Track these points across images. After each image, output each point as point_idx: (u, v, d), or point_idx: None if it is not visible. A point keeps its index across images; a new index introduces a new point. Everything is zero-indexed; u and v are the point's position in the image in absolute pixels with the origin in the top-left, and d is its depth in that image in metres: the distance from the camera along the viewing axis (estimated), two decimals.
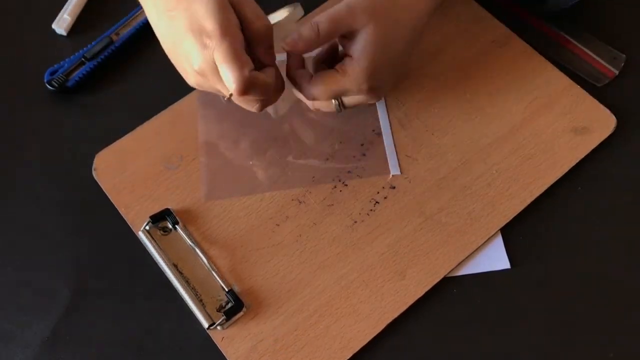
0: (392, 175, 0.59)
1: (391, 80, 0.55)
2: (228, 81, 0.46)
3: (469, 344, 0.54)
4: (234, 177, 0.60)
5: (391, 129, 0.61)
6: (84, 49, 0.66)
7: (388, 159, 0.60)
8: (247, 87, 0.47)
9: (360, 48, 0.51)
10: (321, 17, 0.50)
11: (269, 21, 0.50)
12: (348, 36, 0.51)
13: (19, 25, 0.69)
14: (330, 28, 0.50)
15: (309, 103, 0.55)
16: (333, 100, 0.54)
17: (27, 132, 0.63)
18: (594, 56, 0.65)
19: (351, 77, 0.51)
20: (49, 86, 0.64)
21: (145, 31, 0.66)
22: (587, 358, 0.54)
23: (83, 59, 0.65)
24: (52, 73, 0.65)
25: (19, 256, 0.58)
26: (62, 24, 0.68)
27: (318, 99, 0.53)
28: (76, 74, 0.64)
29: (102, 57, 0.65)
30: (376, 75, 0.52)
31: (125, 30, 0.67)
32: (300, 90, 0.53)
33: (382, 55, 0.51)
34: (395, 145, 0.61)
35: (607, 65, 0.65)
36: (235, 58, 0.46)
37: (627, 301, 0.56)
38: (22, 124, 0.64)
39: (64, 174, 0.61)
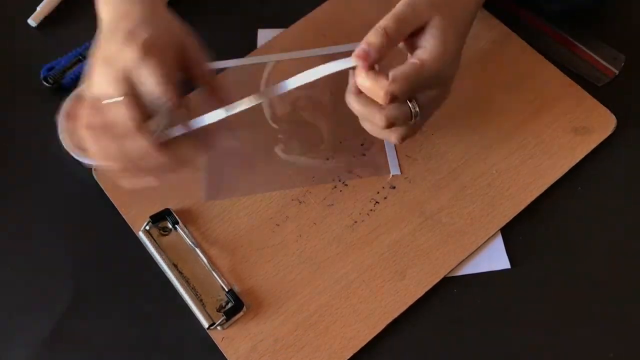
0: (392, 175, 0.59)
1: (454, 74, 0.52)
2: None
3: (469, 344, 0.54)
4: (234, 177, 0.60)
5: None
6: (81, 47, 0.66)
7: (388, 159, 0.60)
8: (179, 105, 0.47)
9: (432, 36, 0.48)
10: (386, 21, 0.48)
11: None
12: (414, 34, 0.49)
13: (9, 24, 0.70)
14: (399, 28, 0.48)
15: (380, 121, 0.49)
16: (410, 103, 0.49)
17: (24, 130, 0.63)
18: (594, 56, 0.65)
19: (430, 66, 0.48)
20: (44, 82, 0.64)
21: None
22: (587, 358, 0.54)
23: (80, 57, 0.65)
24: (49, 70, 0.65)
25: (19, 256, 0.58)
26: (35, 16, 0.68)
27: (398, 94, 0.47)
28: (72, 72, 0.65)
29: None
30: (450, 64, 0.50)
31: None
32: (378, 91, 0.47)
33: (450, 50, 0.50)
34: (395, 145, 0.61)
35: (607, 65, 0.65)
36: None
37: (627, 301, 0.56)
38: (16, 121, 0.64)
39: (64, 172, 0.61)
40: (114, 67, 0.47)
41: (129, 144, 0.47)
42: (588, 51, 0.66)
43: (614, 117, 0.61)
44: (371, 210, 0.58)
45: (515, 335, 0.54)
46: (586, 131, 0.61)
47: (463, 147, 0.61)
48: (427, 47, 0.49)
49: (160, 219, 0.57)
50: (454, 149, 0.61)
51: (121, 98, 0.47)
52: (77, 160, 0.59)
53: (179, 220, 0.57)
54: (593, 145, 0.60)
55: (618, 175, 0.61)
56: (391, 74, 0.48)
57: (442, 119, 0.61)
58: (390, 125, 0.49)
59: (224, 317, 0.53)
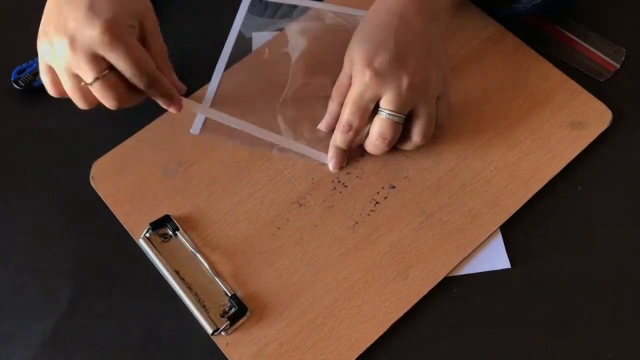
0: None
1: (401, 63, 0.55)
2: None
3: (469, 344, 0.54)
4: (231, 118, 0.61)
5: None
6: None
7: None
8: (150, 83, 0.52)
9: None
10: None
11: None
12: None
13: None
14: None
15: (410, 147, 0.59)
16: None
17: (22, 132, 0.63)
18: (595, 51, 0.66)
19: (351, 73, 0.55)
20: (15, 85, 0.63)
21: None
22: (587, 358, 0.54)
23: None
24: (20, 72, 0.64)
25: (19, 257, 0.57)
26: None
27: (352, 120, 0.56)
28: None
29: None
30: (376, 58, 0.54)
31: None
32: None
33: (370, 41, 0.54)
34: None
35: (608, 59, 0.65)
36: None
37: (627, 301, 0.56)
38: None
39: (64, 173, 0.61)
40: (79, 47, 0.49)
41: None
42: (588, 46, 0.66)
43: (609, 110, 0.62)
44: (371, 210, 0.58)
45: (515, 335, 0.54)
46: (582, 125, 0.61)
47: (461, 145, 0.61)
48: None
49: (160, 225, 0.57)
50: (452, 148, 0.61)
51: (97, 80, 0.50)
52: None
53: (179, 227, 0.56)
54: (590, 140, 0.61)
55: (619, 174, 0.61)
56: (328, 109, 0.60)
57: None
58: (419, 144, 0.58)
59: (228, 322, 0.53)
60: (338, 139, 0.58)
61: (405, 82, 0.53)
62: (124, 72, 0.51)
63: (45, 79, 0.54)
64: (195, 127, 0.62)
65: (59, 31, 0.49)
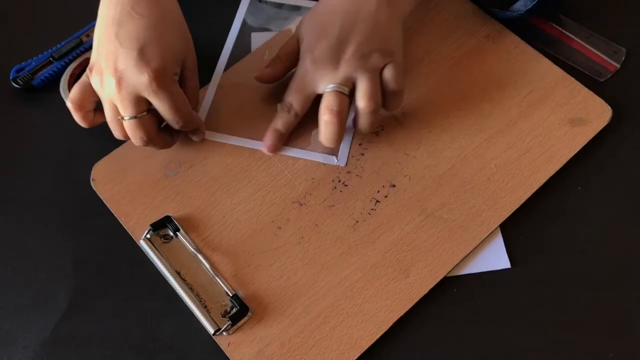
0: (337, 165, 0.59)
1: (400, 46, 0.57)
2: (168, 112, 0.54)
3: (469, 344, 0.54)
4: (231, 117, 0.62)
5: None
6: (52, 48, 0.65)
7: (341, 146, 0.61)
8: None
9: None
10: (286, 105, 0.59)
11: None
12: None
13: None
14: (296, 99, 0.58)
15: (323, 139, 0.58)
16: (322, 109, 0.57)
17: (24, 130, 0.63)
18: (595, 51, 0.66)
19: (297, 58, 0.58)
20: (13, 84, 0.64)
21: None
22: (587, 358, 0.53)
23: (50, 59, 0.65)
24: (18, 71, 0.64)
25: (19, 257, 0.57)
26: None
27: (292, 101, 0.58)
28: (42, 73, 0.64)
29: (70, 57, 0.65)
30: (317, 46, 0.56)
31: None
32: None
33: (317, 25, 0.57)
34: (390, 142, 0.61)
35: (608, 59, 0.65)
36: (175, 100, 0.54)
37: (627, 301, 0.55)
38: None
39: (64, 173, 0.61)
40: (124, 87, 0.52)
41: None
42: (588, 46, 0.66)
43: (609, 107, 0.62)
44: (372, 209, 0.58)
45: (515, 335, 0.54)
46: (582, 122, 0.61)
47: (461, 143, 0.61)
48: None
49: (161, 226, 0.57)
50: (452, 146, 0.61)
51: (133, 119, 0.53)
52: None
53: (180, 227, 0.56)
54: (590, 136, 0.61)
55: (620, 174, 0.60)
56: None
57: (439, 116, 0.62)
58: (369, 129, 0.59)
59: (230, 322, 0.53)
60: (278, 120, 0.59)
61: (342, 67, 0.55)
62: (164, 116, 0.54)
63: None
64: None
65: (109, 68, 0.52)
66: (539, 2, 0.63)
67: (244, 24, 0.68)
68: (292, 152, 0.61)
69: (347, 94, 0.56)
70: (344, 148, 0.61)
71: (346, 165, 0.60)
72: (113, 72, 0.51)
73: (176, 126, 0.56)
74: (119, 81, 0.51)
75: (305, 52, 0.57)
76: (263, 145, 0.60)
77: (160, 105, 0.53)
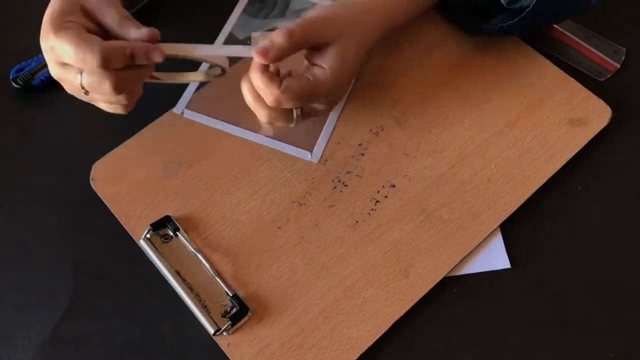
0: (311, 160, 0.59)
1: (346, 91, 0.57)
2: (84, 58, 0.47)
3: (469, 344, 0.54)
4: (216, 99, 0.61)
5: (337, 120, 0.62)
6: None
7: (317, 141, 0.61)
8: (106, 56, 0.46)
9: (334, 58, 0.51)
10: (295, 26, 0.50)
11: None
12: (317, 47, 0.52)
13: None
14: (305, 36, 0.50)
15: (262, 117, 0.53)
16: (294, 110, 0.53)
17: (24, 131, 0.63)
18: (594, 51, 0.66)
19: (323, 86, 0.52)
20: (13, 84, 0.64)
21: None
22: (587, 358, 0.53)
23: None
24: (18, 71, 0.64)
25: (19, 257, 0.57)
26: None
27: (285, 104, 0.51)
28: (42, 73, 0.64)
29: None
30: (341, 87, 0.54)
31: None
32: (267, 95, 0.51)
33: (348, 70, 0.53)
34: (390, 142, 0.61)
35: (607, 59, 0.65)
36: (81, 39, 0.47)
37: (627, 301, 0.55)
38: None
39: (64, 173, 0.60)
40: (45, 53, 0.50)
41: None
42: (588, 46, 0.66)
43: (608, 107, 0.62)
44: (372, 209, 0.58)
45: (515, 335, 0.54)
46: (582, 122, 0.61)
47: (461, 143, 0.61)
48: (327, 68, 0.52)
49: (160, 226, 0.57)
50: (452, 146, 0.61)
51: (82, 82, 0.49)
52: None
53: (180, 227, 0.56)
54: (590, 136, 0.61)
55: (620, 173, 0.60)
56: (284, 83, 0.50)
57: (439, 117, 0.62)
58: (270, 123, 0.53)
59: (230, 322, 0.52)
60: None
61: (331, 108, 0.55)
62: (73, 57, 0.47)
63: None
64: (179, 107, 0.62)
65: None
66: (520, 21, 0.59)
67: (230, 35, 0.67)
68: (268, 142, 0.61)
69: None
70: (320, 145, 0.61)
71: (319, 161, 0.60)
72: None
73: (94, 64, 0.47)
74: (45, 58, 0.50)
75: (331, 76, 0.52)
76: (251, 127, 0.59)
77: (62, 49, 0.47)
